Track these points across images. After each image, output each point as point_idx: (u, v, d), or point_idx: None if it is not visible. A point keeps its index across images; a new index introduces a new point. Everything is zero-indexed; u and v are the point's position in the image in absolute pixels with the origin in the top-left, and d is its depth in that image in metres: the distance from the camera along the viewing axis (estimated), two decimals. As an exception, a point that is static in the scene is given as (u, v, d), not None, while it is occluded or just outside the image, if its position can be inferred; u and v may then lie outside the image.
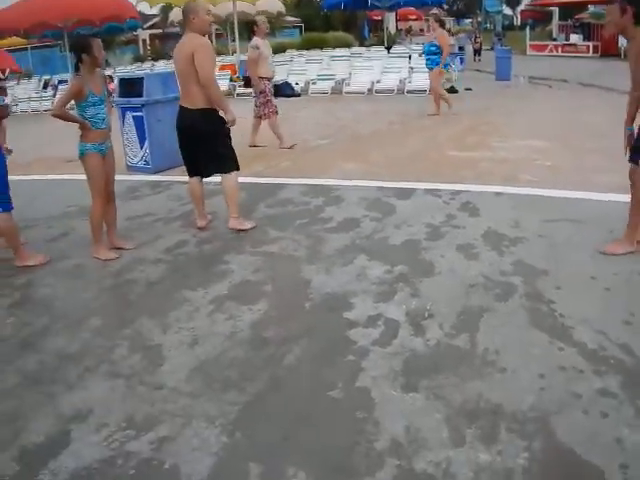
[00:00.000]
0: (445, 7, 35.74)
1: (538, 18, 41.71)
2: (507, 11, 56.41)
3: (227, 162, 4.76)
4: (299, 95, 15.08)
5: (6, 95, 5.09)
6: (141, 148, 7.43)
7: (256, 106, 8.28)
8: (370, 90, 14.69)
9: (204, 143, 4.66)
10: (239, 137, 5.34)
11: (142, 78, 7.41)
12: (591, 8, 38.21)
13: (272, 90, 8.31)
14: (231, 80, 16.87)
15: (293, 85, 14.90)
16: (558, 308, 3.43)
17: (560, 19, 37.40)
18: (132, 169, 7.50)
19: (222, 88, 16.88)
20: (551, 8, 37.10)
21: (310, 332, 3.22)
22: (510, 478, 2.16)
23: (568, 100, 13.61)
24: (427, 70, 13.38)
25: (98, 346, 3.22)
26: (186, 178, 5.05)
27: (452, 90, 15.06)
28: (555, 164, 6.79)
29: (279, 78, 15.18)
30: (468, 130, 9.40)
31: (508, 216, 4.99)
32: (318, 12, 31.60)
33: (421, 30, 38.65)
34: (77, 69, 4.30)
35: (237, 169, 4.85)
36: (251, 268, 4.12)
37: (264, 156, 7.83)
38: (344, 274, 3.95)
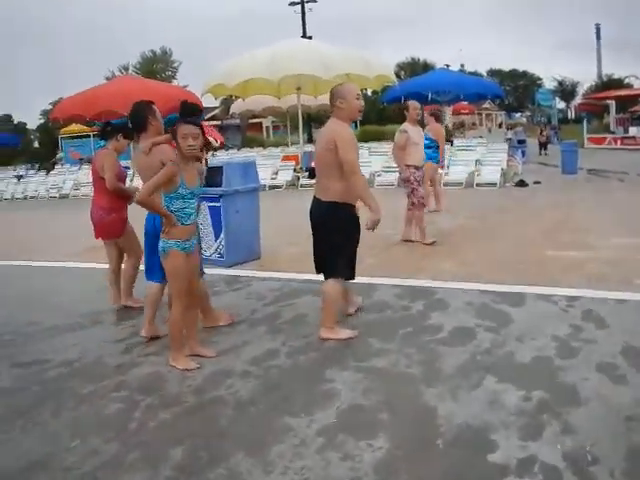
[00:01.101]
0: (497, 102, 36.41)
1: (594, 111, 42.01)
2: (559, 104, 57.15)
3: (334, 265, 4.49)
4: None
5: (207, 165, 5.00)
6: (216, 240, 7.24)
7: (408, 197, 8.09)
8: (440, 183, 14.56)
9: (323, 237, 4.50)
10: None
11: (221, 167, 7.14)
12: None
13: (420, 178, 8.07)
14: (294, 171, 17.08)
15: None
16: None
17: (617, 112, 37.66)
18: (204, 262, 7.28)
19: (286, 178, 17.21)
20: (607, 101, 37.37)
21: (454, 480, 2.75)
22: None
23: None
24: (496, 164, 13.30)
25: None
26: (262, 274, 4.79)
27: (522, 183, 14.90)
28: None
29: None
30: (557, 227, 9.01)
31: (643, 329, 4.49)
32: (373, 106, 32.58)
33: (473, 124, 39.29)
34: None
35: (344, 277, 4.57)
36: (360, 388, 3.69)
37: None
38: (474, 401, 3.49)
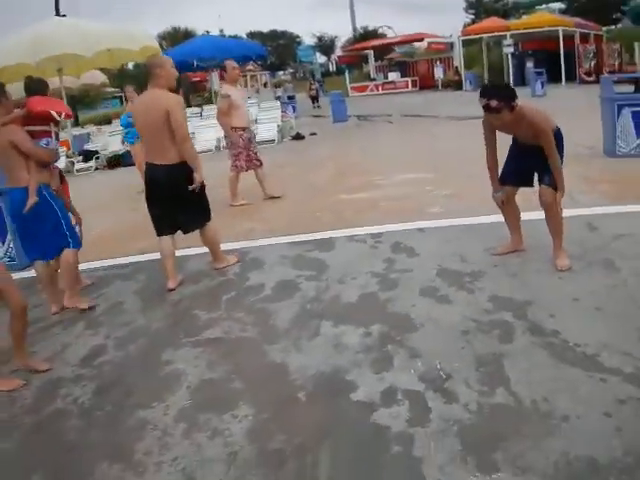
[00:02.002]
0: (259, 63, 37.04)
1: (353, 62, 44.87)
2: (320, 59, 59.88)
3: (208, 213, 4.97)
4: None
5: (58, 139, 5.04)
6: (3, 243, 6.33)
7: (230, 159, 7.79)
8: (218, 147, 14.42)
9: (184, 197, 4.68)
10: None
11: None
12: (397, 49, 42.32)
13: (251, 140, 7.86)
14: (67, 157, 15.63)
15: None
16: (569, 338, 3.30)
17: (375, 61, 40.86)
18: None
19: (60, 165, 15.78)
20: (366, 52, 40.23)
21: (327, 429, 2.72)
22: None
23: (415, 132, 14.49)
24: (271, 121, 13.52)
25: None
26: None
27: (298, 136, 15.40)
28: (452, 193, 6.93)
29: (118, 148, 14.46)
30: (343, 172, 9.43)
31: (448, 251, 4.88)
32: (136, 79, 31.40)
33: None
34: None
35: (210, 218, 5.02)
36: (203, 364, 3.48)
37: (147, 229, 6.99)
38: (319, 348, 3.50)
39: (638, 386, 2.76)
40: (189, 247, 5.63)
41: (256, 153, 7.85)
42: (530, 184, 4.50)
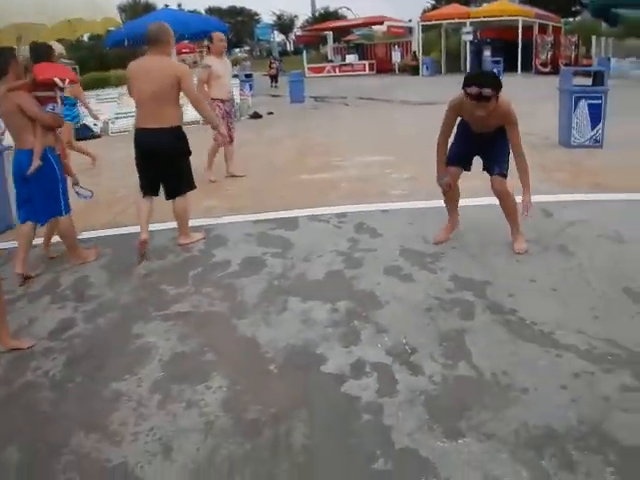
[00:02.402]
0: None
1: (312, 42, 44.68)
2: (278, 38, 59.37)
3: (190, 182, 5.13)
4: (99, 136, 14.13)
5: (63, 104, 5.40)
6: None
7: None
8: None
9: (175, 162, 4.94)
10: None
11: None
12: (355, 31, 42.38)
13: (230, 114, 7.80)
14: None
15: (91, 126, 13.86)
16: (526, 316, 3.49)
17: (333, 42, 40.82)
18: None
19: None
20: (325, 32, 40.11)
21: (299, 399, 2.82)
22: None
23: (371, 115, 14.65)
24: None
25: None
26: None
27: (256, 115, 15.36)
28: (413, 176, 7.10)
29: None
30: (303, 153, 9.49)
31: (410, 232, 5.04)
32: (92, 52, 30.64)
33: (194, 63, 39.03)
34: None
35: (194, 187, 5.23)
36: (175, 336, 3.53)
37: (110, 204, 6.97)
38: (288, 323, 3.60)
39: (591, 361, 2.97)
40: (152, 223, 5.65)
41: (231, 129, 7.78)
42: (469, 169, 4.66)
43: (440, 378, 2.91)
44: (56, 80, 4.71)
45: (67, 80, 4.77)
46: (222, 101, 7.62)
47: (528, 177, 4.35)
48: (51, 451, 2.61)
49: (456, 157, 4.59)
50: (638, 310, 3.49)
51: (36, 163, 4.48)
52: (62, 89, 4.81)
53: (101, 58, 33.75)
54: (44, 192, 4.63)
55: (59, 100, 4.86)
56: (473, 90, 4.01)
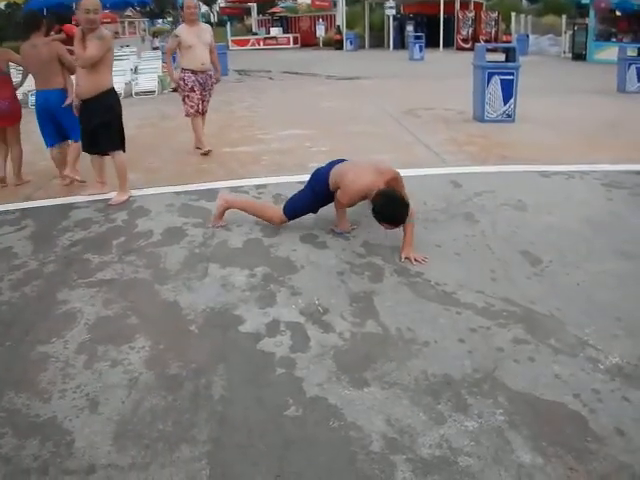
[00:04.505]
0: (137, 8, 35.55)
1: (236, 14, 43.95)
2: (202, 9, 58.00)
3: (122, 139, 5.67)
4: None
5: None
6: None
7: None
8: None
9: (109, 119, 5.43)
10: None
11: None
12: (280, 4, 42.08)
13: (203, 85, 7.42)
14: None
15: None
16: (431, 278, 3.78)
17: (257, 14, 40.33)
18: None
19: None
20: (249, 4, 39.58)
21: (218, 356, 2.99)
22: (503, 434, 2.37)
23: (295, 89, 14.79)
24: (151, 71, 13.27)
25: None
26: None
27: (174, 90, 15.20)
28: (330, 149, 7.29)
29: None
30: (226, 126, 9.54)
31: (328, 202, 5.21)
32: (9, 21, 29.30)
33: (116, 33, 37.88)
34: None
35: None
36: (98, 302, 3.62)
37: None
38: (208, 287, 3.75)
39: (487, 318, 3.28)
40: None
41: (204, 102, 7.56)
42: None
43: (349, 335, 3.14)
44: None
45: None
46: (193, 72, 7.31)
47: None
48: (-20, 409, 2.69)
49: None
50: (534, 271, 3.84)
51: (71, 97, 5.65)
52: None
53: (18, 26, 32.32)
54: (74, 118, 5.57)
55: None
56: (387, 227, 4.13)
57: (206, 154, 7.41)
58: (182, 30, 7.34)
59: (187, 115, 7.58)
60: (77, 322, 3.39)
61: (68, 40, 6.08)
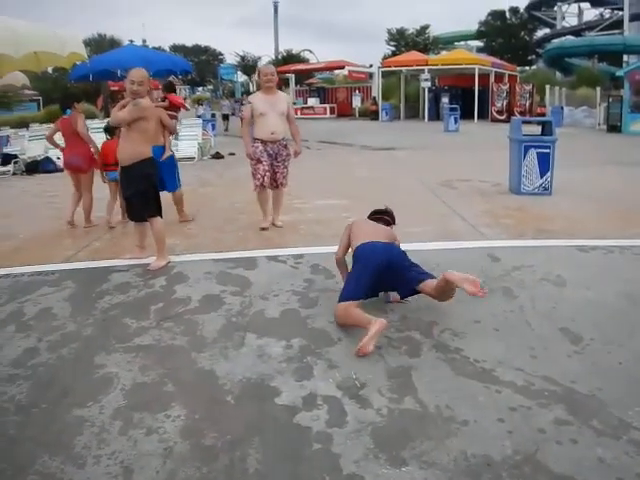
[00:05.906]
0: (180, 76, 37.06)
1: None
2: (241, 78, 60.22)
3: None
4: (62, 170, 14.19)
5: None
6: None
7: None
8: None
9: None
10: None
11: None
12: (317, 75, 43.57)
13: (273, 156, 7.06)
14: None
15: (55, 160, 13.93)
16: (470, 354, 3.75)
17: (295, 85, 41.78)
18: None
19: None
20: (287, 75, 41.02)
21: (254, 428, 3.00)
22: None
23: (331, 159, 15.08)
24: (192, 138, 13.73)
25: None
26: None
27: (217, 155, 15.63)
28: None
29: (37, 153, 14.14)
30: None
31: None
32: (56, 85, 30.61)
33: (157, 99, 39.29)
34: None
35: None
36: (135, 368, 3.68)
37: (72, 237, 7.09)
38: (244, 357, 3.78)
39: (527, 397, 3.23)
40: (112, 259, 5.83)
41: (276, 173, 7.16)
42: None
43: (387, 411, 3.13)
44: (184, 102, 6.53)
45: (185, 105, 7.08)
46: (263, 142, 6.96)
47: None
48: (16, 472, 2.73)
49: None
50: (575, 349, 3.80)
51: (168, 152, 7.07)
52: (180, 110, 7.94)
53: (65, 91, 33.93)
54: (170, 171, 6.80)
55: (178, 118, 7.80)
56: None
57: (264, 229, 7.15)
58: (256, 97, 7.08)
59: (254, 189, 7.18)
60: (114, 387, 3.45)
61: (170, 107, 8.01)
